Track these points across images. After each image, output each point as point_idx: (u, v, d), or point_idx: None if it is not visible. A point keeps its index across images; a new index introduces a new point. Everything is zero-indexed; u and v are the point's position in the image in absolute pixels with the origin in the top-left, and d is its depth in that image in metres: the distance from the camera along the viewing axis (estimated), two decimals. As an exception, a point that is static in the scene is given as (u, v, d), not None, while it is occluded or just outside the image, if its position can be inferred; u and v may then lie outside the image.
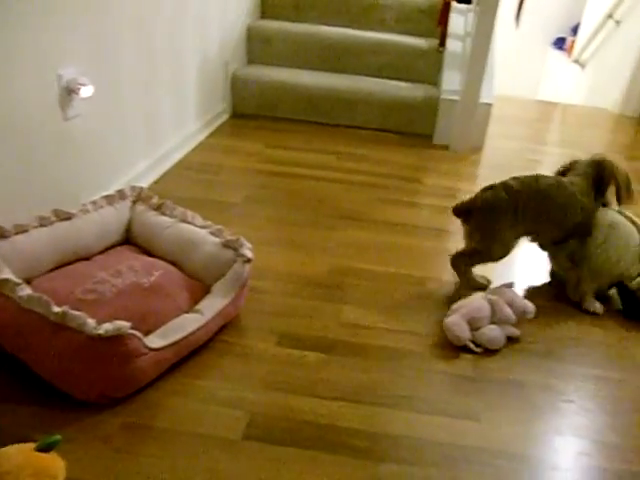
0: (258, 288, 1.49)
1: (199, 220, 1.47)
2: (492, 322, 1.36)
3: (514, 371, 1.29)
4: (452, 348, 1.33)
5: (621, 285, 1.56)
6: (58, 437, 0.88)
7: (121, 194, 1.51)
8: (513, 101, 4.06)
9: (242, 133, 2.71)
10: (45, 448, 0.87)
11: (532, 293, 1.61)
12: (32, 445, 0.87)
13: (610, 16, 4.29)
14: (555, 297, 1.60)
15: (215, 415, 1.09)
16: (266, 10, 3.28)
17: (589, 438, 1.13)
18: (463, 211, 1.56)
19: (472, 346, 1.32)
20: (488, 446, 1.08)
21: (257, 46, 3.11)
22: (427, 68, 3.09)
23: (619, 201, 1.57)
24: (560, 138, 3.30)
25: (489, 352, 1.33)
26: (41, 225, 1.32)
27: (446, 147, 2.81)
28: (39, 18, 1.37)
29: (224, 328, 1.32)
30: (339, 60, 3.11)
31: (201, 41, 2.43)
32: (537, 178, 1.54)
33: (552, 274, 1.70)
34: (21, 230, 1.28)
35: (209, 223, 1.46)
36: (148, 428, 1.05)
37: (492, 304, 1.37)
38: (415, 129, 2.94)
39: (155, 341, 1.12)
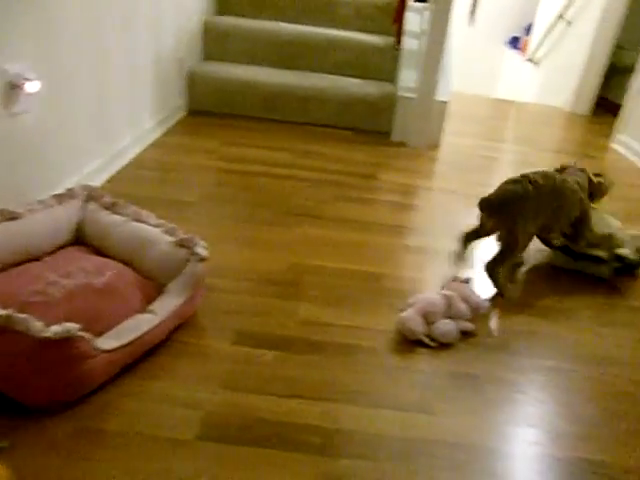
0: (215, 287, 1.47)
1: (153, 219, 1.45)
2: (447, 317, 1.38)
3: (468, 364, 1.31)
4: (407, 343, 1.35)
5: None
6: (4, 443, 0.85)
7: (71, 193, 1.47)
8: (470, 99, 4.13)
9: (198, 131, 2.68)
10: (-11, 456, 0.84)
11: (487, 289, 1.64)
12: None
13: (561, 16, 4.40)
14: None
15: (170, 416, 1.07)
16: (223, 6, 3.25)
17: (541, 428, 1.16)
18: (490, 205, 1.58)
19: (427, 340, 1.34)
20: (443, 438, 1.10)
21: (213, 42, 3.08)
22: (384, 65, 3.12)
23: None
24: (515, 135, 3.38)
25: (444, 346, 1.35)
26: (-14, 225, 1.27)
27: (403, 144, 2.84)
28: (-19, 11, 1.32)
29: (180, 328, 1.30)
30: (296, 57, 3.11)
31: (156, 37, 2.39)
32: (554, 174, 1.64)
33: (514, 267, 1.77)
34: (-36, 231, 1.23)
35: (163, 222, 1.44)
36: (100, 432, 1.02)
37: (447, 299, 1.40)
38: (373, 126, 2.96)
39: (107, 343, 1.10)
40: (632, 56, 3.89)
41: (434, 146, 2.88)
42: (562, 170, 1.77)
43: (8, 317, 0.99)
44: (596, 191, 1.81)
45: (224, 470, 0.98)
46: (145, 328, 1.17)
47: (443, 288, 1.47)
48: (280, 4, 3.25)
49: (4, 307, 1.02)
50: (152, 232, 1.40)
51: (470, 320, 1.42)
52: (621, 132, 3.28)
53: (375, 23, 3.30)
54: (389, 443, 1.07)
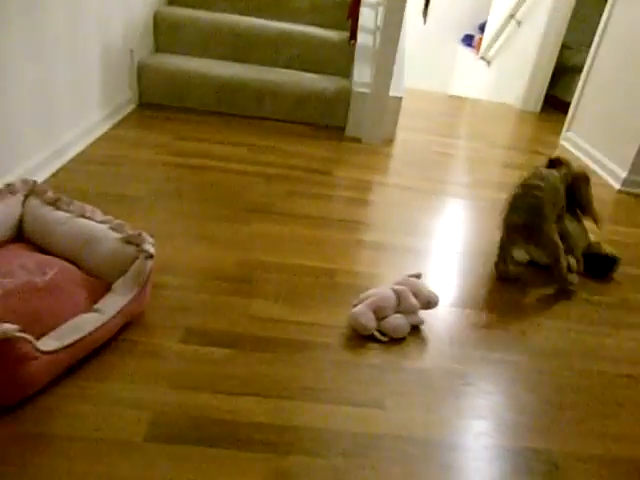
0: (164, 284, 1.44)
1: (99, 215, 1.40)
2: (398, 311, 1.39)
3: (418, 358, 1.32)
4: (359, 338, 1.35)
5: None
6: None
7: (11, 188, 1.41)
8: (424, 95, 4.17)
9: (149, 124, 2.62)
10: None
11: (438, 284, 1.66)
12: None
13: (512, 16, 4.50)
14: (461, 287, 1.67)
15: (116, 417, 1.04)
16: (174, -3, 3.18)
17: (489, 419, 1.18)
18: (517, 227, 1.66)
19: (378, 335, 1.35)
20: (394, 432, 1.10)
21: (165, 34, 3.01)
22: (339, 60, 3.12)
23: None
24: (468, 131, 3.43)
25: (395, 341, 1.36)
26: None
27: (358, 139, 2.85)
28: None
29: (127, 326, 1.27)
30: (250, 50, 3.07)
31: (104, 27, 2.32)
32: (548, 172, 1.71)
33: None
34: None
35: (109, 218, 1.39)
36: (42, 436, 0.99)
37: (398, 294, 1.40)
38: (327, 121, 2.95)
39: (49, 343, 1.06)
40: (579, 56, 4.02)
41: (388, 141, 2.90)
42: (556, 165, 1.81)
43: (-60, 319, 0.94)
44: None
45: (174, 471, 0.95)
46: (90, 328, 1.13)
47: (394, 283, 1.48)
48: (233, -4, 3.20)
49: (-64, 308, 0.97)
50: (98, 229, 1.36)
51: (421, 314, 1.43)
52: (569, 129, 3.38)
53: (330, 17, 3.29)
54: (341, 439, 1.07)
